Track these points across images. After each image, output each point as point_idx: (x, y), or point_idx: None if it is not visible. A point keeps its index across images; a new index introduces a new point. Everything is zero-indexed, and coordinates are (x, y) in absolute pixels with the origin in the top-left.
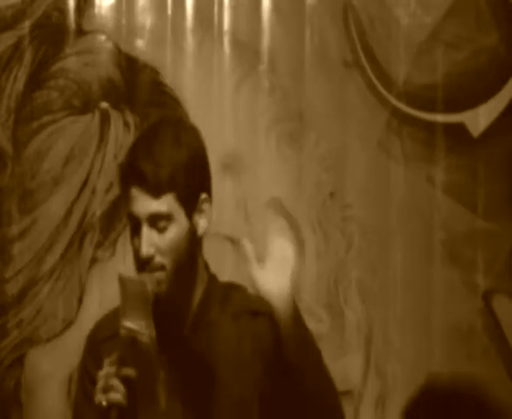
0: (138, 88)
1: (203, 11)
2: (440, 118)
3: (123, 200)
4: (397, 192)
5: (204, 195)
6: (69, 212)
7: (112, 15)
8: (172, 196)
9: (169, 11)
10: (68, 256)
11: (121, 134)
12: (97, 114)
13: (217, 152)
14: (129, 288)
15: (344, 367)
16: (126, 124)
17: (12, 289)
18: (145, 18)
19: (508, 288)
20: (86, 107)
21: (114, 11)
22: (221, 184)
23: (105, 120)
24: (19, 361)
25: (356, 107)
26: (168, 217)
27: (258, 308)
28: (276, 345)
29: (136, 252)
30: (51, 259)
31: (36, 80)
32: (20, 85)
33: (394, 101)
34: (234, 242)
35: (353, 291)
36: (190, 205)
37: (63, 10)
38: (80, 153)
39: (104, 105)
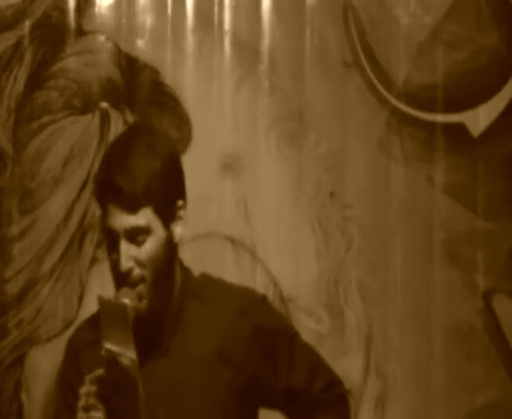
0: (138, 88)
1: (203, 11)
2: (440, 118)
3: (100, 215)
4: (397, 192)
5: (180, 202)
6: (69, 212)
7: (112, 15)
8: (149, 209)
9: (169, 11)
10: (68, 256)
11: None
12: (97, 114)
13: (218, 152)
14: (110, 310)
15: (344, 367)
16: (126, 124)
17: (12, 289)
18: (145, 18)
19: (508, 288)
20: (86, 107)
21: (114, 11)
22: (221, 184)
23: (105, 120)
24: (19, 361)
25: (356, 107)
26: (146, 230)
27: (232, 300)
28: (252, 337)
29: (115, 266)
30: (52, 259)
31: (36, 80)
32: (20, 85)
33: (394, 101)
34: (234, 242)
35: (353, 291)
36: (168, 215)
37: (63, 10)
38: (80, 153)
39: (104, 105)
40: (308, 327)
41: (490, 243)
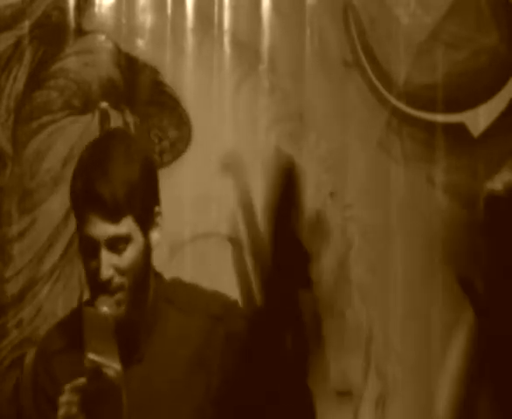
0: (138, 88)
1: (203, 11)
2: (440, 118)
3: (78, 222)
4: (397, 192)
5: (157, 209)
6: (69, 212)
7: (112, 14)
8: (131, 218)
9: (169, 11)
10: (68, 256)
11: None
12: (97, 114)
13: (218, 152)
14: (93, 321)
15: (344, 367)
16: (126, 124)
17: (12, 289)
18: (145, 18)
19: None
20: (85, 107)
21: (114, 11)
22: (221, 184)
23: (105, 119)
24: (19, 361)
25: (356, 107)
26: (126, 239)
27: (205, 305)
28: (227, 342)
29: (93, 275)
30: (51, 259)
31: (36, 80)
32: (20, 84)
33: (394, 101)
34: (234, 242)
35: (353, 292)
36: (146, 222)
37: (63, 10)
38: (80, 153)
39: (104, 105)
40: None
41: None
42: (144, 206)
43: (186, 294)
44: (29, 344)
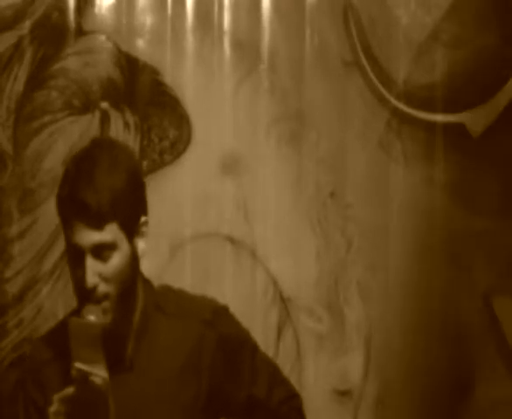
0: (138, 88)
1: (203, 11)
2: (440, 118)
3: (64, 230)
4: (397, 192)
5: (143, 218)
6: None
7: (112, 15)
8: (115, 225)
9: (169, 11)
10: None
11: (121, 134)
12: (97, 114)
13: (217, 152)
14: (80, 330)
15: (344, 366)
16: (126, 124)
17: (12, 289)
18: (145, 18)
19: (508, 288)
20: (86, 107)
21: (115, 11)
22: (221, 184)
23: (105, 119)
24: (19, 361)
25: (356, 107)
26: (111, 246)
27: (195, 311)
28: (216, 347)
29: (79, 282)
30: (52, 259)
31: (36, 80)
32: (20, 84)
33: (394, 101)
34: (234, 242)
35: (353, 291)
36: (132, 230)
37: (63, 10)
38: None
39: (104, 105)
40: (308, 327)
41: (490, 243)
42: (129, 214)
43: (176, 300)
44: (29, 344)
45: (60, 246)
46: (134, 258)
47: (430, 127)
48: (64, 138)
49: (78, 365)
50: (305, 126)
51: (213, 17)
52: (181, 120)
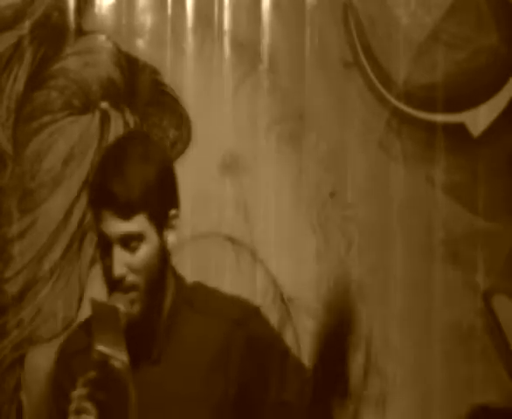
0: (138, 88)
1: (203, 11)
2: (440, 118)
3: (93, 219)
4: (397, 192)
5: (173, 212)
6: (69, 212)
7: (112, 15)
8: (143, 216)
9: (169, 11)
10: (68, 256)
11: (122, 134)
12: (97, 114)
13: (217, 152)
14: (101, 313)
15: None
16: (126, 124)
17: (12, 289)
18: (145, 18)
19: (509, 288)
20: (86, 107)
21: (114, 11)
22: (221, 184)
23: (105, 120)
24: (19, 361)
25: (356, 107)
26: (139, 237)
27: (225, 310)
28: (245, 347)
29: (107, 272)
30: (52, 259)
31: (36, 80)
32: (20, 84)
33: (394, 101)
34: (234, 242)
35: (353, 291)
36: (161, 223)
37: (63, 10)
38: (80, 153)
39: (104, 105)
40: (308, 327)
41: (490, 243)
42: (159, 206)
43: (207, 298)
44: (29, 344)
45: (60, 246)
46: (162, 251)
47: (430, 126)
48: (64, 138)
49: (99, 347)
50: (305, 126)
51: (213, 17)
52: (181, 119)
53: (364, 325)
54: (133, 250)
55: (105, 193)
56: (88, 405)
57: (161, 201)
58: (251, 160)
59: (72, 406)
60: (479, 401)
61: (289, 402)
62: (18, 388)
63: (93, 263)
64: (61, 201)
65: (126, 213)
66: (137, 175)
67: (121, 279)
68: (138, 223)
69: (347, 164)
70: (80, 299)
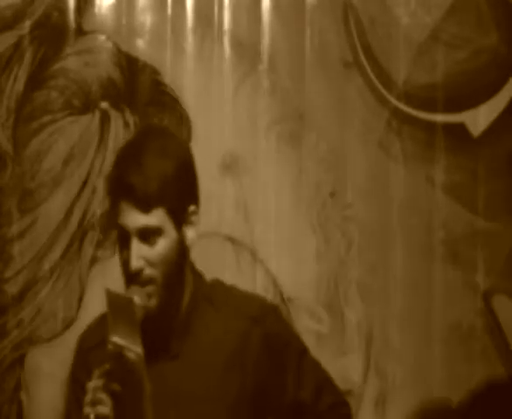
0: (138, 88)
1: (203, 11)
2: (440, 118)
3: (112, 211)
4: (397, 192)
5: (192, 207)
6: (69, 212)
7: (112, 15)
8: (162, 211)
9: (169, 11)
10: (68, 255)
11: (122, 134)
12: (97, 114)
13: (217, 152)
14: (117, 304)
15: (344, 366)
16: (126, 124)
17: (12, 289)
18: (145, 18)
19: (509, 288)
20: (86, 107)
21: (114, 11)
22: (221, 184)
23: (105, 119)
24: (19, 361)
25: (356, 107)
26: (157, 231)
27: (243, 307)
28: (262, 345)
29: (125, 264)
30: (52, 259)
31: (36, 80)
32: (20, 84)
33: (394, 101)
34: (234, 242)
35: (353, 291)
36: (180, 218)
37: (63, 10)
38: (80, 153)
39: (104, 105)
40: (308, 327)
41: (490, 243)
42: (177, 201)
43: (225, 295)
44: (29, 344)
45: (60, 246)
46: (181, 246)
47: (430, 126)
48: (64, 138)
49: (114, 338)
50: (305, 126)
51: (213, 17)
52: (181, 119)
53: (364, 324)
54: (151, 243)
55: (123, 185)
56: (103, 396)
57: (179, 196)
58: (251, 160)
59: (88, 397)
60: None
61: (305, 401)
62: (18, 388)
63: (93, 262)
64: (61, 201)
65: (144, 206)
66: (155, 169)
67: (139, 272)
68: (157, 217)
69: (347, 164)
70: (80, 299)
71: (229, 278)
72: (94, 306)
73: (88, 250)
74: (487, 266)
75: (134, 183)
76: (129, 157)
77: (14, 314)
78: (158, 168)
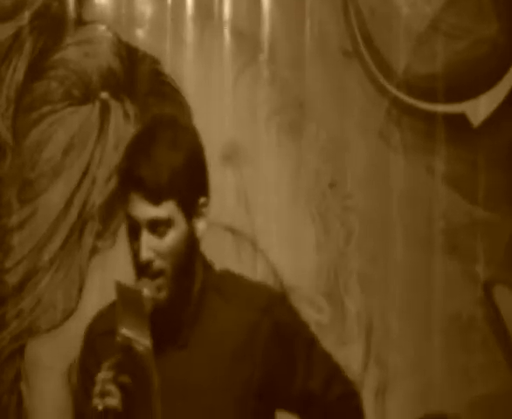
0: (138, 78)
1: (203, 1)
2: (441, 108)
3: (122, 202)
4: (397, 182)
5: (202, 200)
6: (69, 202)
7: (112, 5)
8: (172, 203)
9: (169, 1)
10: (68, 246)
11: (122, 124)
12: (97, 104)
13: (218, 142)
14: (126, 296)
15: (345, 356)
16: (126, 114)
17: (12, 279)
18: (145, 8)
19: (509, 278)
20: (86, 97)
21: (114, 1)
22: (221, 174)
23: (105, 110)
24: (19, 352)
25: (356, 97)
26: (168, 223)
27: (252, 297)
28: (271, 335)
29: (135, 256)
30: (51, 249)
31: (36, 70)
32: (20, 75)
33: (394, 91)
34: (235, 232)
35: (353, 282)
36: (190, 210)
37: (63, 0)
38: (80, 143)
39: (104, 95)
40: (309, 317)
41: (490, 234)
42: (187, 193)
43: (234, 286)
44: (28, 334)
45: (60, 237)
46: (191, 238)
47: (430, 116)
48: (64, 128)
49: (122, 331)
50: (305, 116)
51: (213, 7)
52: (181, 109)
53: (364, 314)
54: (161, 235)
55: (133, 176)
56: (112, 388)
57: (190, 188)
58: (251, 150)
59: (97, 388)
60: (479, 391)
61: (315, 391)
62: (18, 379)
63: (93, 253)
64: (61, 191)
65: (155, 198)
66: (165, 160)
67: (149, 264)
68: (167, 209)
69: (347, 154)
70: (80, 290)
71: (229, 268)
72: (94, 297)
73: (88, 240)
74: (487, 256)
75: (145, 175)
76: (139, 148)
77: (14, 305)
78: (168, 159)
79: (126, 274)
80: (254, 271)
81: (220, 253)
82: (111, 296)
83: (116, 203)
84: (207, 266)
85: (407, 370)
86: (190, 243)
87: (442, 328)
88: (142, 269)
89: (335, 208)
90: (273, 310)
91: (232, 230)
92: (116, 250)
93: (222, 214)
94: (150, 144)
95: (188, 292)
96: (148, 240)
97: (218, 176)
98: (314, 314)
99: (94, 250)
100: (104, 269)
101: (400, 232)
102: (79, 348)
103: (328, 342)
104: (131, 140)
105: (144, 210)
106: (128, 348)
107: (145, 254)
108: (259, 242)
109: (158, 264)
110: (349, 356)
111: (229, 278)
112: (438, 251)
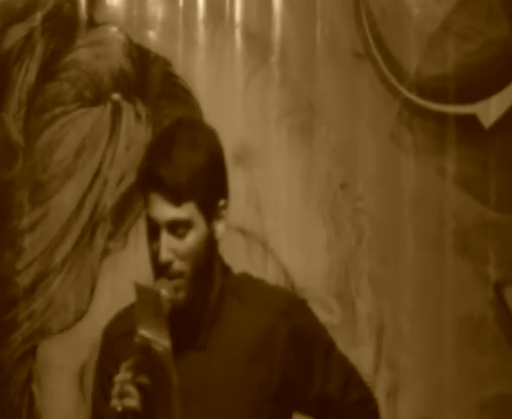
0: (150, 80)
1: (214, 3)
2: (452, 109)
3: (142, 204)
4: (408, 184)
5: (222, 202)
6: (81, 204)
7: (123, 6)
8: (192, 205)
9: (181, 3)
10: (80, 247)
11: (133, 126)
12: (109, 106)
13: (229, 144)
14: (144, 296)
15: (355, 358)
16: (137, 115)
17: (24, 281)
18: (157, 10)
19: None
20: (97, 99)
21: (126, 3)
22: (232, 176)
23: (116, 111)
24: (31, 353)
25: (367, 99)
26: (188, 224)
27: (271, 300)
28: (289, 338)
29: (154, 257)
30: (63, 251)
31: (47, 72)
32: (32, 76)
33: (405, 92)
34: (246, 233)
35: (364, 283)
36: (210, 212)
37: (74, 2)
38: (92, 144)
39: (116, 96)
40: (320, 318)
41: (501, 235)
42: (208, 195)
43: (252, 289)
44: (40, 336)
45: (72, 238)
46: (210, 240)
47: (441, 118)
48: (75, 130)
49: (141, 331)
50: (316, 117)
51: (225, 9)
52: (192, 111)
53: (375, 315)
54: (180, 236)
55: (153, 177)
56: (131, 389)
57: (209, 190)
58: (262, 151)
59: (115, 389)
60: (489, 391)
61: (332, 396)
62: (30, 380)
63: (104, 254)
64: (73, 192)
65: (175, 198)
66: (184, 161)
67: (168, 265)
68: (187, 211)
69: (358, 156)
70: (92, 291)
71: (240, 269)
72: (106, 298)
73: (100, 241)
74: (499, 257)
75: (165, 175)
76: (160, 150)
77: (25, 306)
78: (186, 160)
79: (137, 275)
80: (265, 272)
81: (231, 254)
82: (122, 297)
83: (128, 205)
84: (225, 269)
85: (418, 371)
86: (210, 246)
87: (453, 329)
88: (161, 270)
89: (346, 209)
90: (291, 314)
91: (243, 231)
92: (128, 252)
93: (233, 215)
94: (170, 145)
95: (206, 294)
96: (167, 241)
97: (229, 177)
98: (324, 315)
99: (106, 252)
100: (115, 270)
101: (411, 233)
102: (96, 350)
103: (338, 343)
104: (151, 141)
105: (164, 211)
106: (146, 349)
107: (165, 255)
108: (270, 243)
109: (177, 265)
110: (360, 357)
111: (247, 281)
112: (449, 252)
